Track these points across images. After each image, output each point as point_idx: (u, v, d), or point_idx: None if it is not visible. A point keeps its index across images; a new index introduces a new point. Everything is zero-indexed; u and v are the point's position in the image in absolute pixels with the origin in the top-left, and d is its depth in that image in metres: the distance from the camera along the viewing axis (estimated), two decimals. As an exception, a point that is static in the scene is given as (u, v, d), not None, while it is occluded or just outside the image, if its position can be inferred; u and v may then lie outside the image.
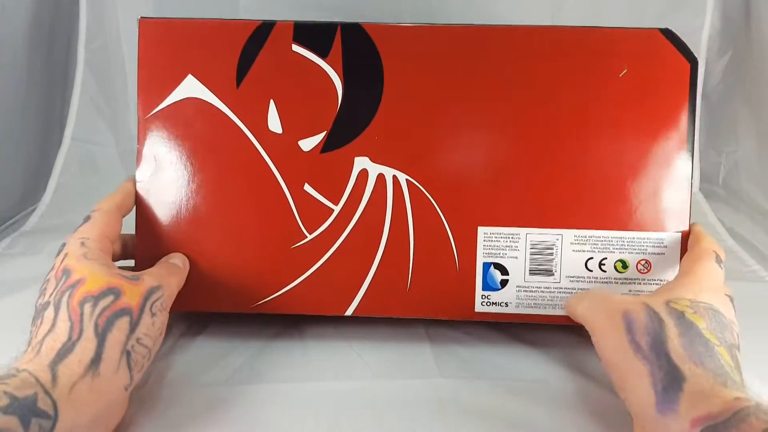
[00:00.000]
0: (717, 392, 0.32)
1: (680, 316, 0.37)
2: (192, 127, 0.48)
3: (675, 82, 0.47)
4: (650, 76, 0.47)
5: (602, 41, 0.48)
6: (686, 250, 0.47)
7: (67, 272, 0.39)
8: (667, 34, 0.48)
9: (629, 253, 0.48)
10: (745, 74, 0.86)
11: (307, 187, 0.48)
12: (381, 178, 0.48)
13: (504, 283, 0.48)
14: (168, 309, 0.42)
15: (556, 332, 0.51)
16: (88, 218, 0.44)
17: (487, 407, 0.42)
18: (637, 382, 0.36)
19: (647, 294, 0.41)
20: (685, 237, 0.47)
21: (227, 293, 0.48)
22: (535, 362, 0.48)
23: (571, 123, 0.48)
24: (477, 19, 0.50)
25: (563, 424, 0.41)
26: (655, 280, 0.48)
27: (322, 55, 0.49)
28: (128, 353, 0.37)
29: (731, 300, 0.42)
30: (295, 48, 0.49)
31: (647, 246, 0.48)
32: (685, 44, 0.47)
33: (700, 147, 0.89)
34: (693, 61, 0.47)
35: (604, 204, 0.48)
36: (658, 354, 0.36)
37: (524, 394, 0.44)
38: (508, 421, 0.41)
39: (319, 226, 0.48)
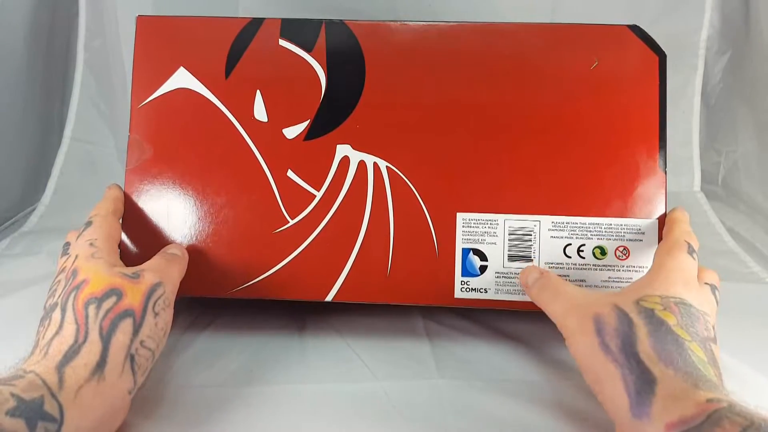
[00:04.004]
0: (689, 394, 0.32)
1: (650, 315, 0.37)
2: (182, 116, 0.50)
3: (645, 74, 0.49)
4: (621, 68, 0.49)
5: (573, 37, 0.49)
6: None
7: (75, 273, 0.40)
8: (635, 29, 0.49)
9: (607, 239, 0.48)
10: (744, 74, 0.85)
11: (290, 174, 0.49)
12: (362, 165, 0.49)
13: (483, 269, 0.48)
14: (172, 305, 0.42)
15: (557, 330, 0.51)
16: (89, 223, 0.45)
17: (487, 409, 0.42)
18: (610, 386, 0.35)
19: (617, 291, 0.41)
20: (662, 224, 0.47)
21: (209, 278, 0.49)
22: (536, 363, 0.48)
23: (547, 112, 0.49)
24: (478, 18, 0.51)
25: (563, 425, 0.40)
26: (634, 266, 0.47)
27: (307, 49, 0.50)
28: (132, 357, 0.37)
29: (714, 289, 0.42)
30: (282, 42, 0.50)
31: (625, 232, 0.47)
32: (653, 39, 0.49)
33: (700, 147, 0.89)
34: (661, 55, 0.49)
35: (581, 191, 0.48)
36: (628, 356, 0.35)
37: (524, 395, 0.43)
38: (508, 422, 0.40)
39: (301, 212, 0.49)
